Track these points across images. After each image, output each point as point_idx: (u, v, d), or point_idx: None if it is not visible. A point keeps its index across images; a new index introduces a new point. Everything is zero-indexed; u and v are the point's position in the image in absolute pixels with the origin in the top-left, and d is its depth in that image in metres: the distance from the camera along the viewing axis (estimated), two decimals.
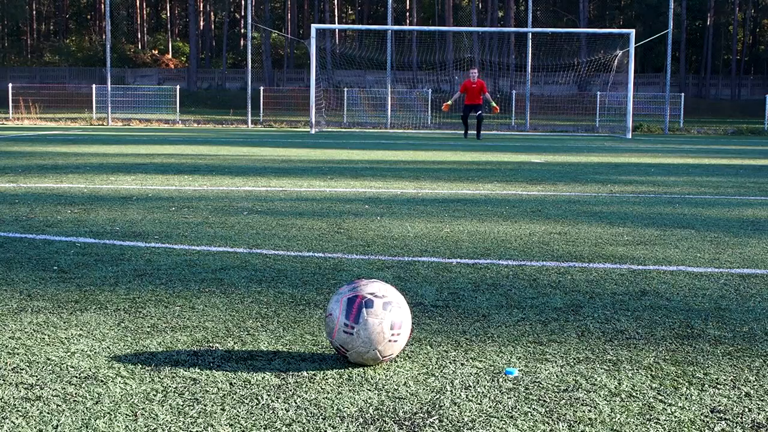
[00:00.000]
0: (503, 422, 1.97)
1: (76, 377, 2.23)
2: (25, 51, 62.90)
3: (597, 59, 32.54)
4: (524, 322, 2.87)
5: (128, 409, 2.01)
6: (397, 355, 2.45)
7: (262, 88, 30.25)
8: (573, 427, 1.94)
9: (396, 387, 2.19)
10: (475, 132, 18.87)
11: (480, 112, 18.43)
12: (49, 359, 2.39)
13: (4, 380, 2.21)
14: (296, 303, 3.09)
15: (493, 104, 18.68)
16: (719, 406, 2.10)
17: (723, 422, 1.99)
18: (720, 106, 48.21)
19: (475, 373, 2.32)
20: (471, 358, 2.46)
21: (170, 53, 61.21)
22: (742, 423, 1.99)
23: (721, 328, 2.83)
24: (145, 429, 1.90)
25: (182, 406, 2.04)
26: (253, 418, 1.97)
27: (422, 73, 50.48)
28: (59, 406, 2.03)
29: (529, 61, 27.06)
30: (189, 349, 2.50)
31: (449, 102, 18.96)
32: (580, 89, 45.72)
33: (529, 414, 2.02)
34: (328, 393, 2.14)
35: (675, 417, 2.02)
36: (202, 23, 59.22)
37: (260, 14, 51.59)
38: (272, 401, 2.08)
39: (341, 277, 3.56)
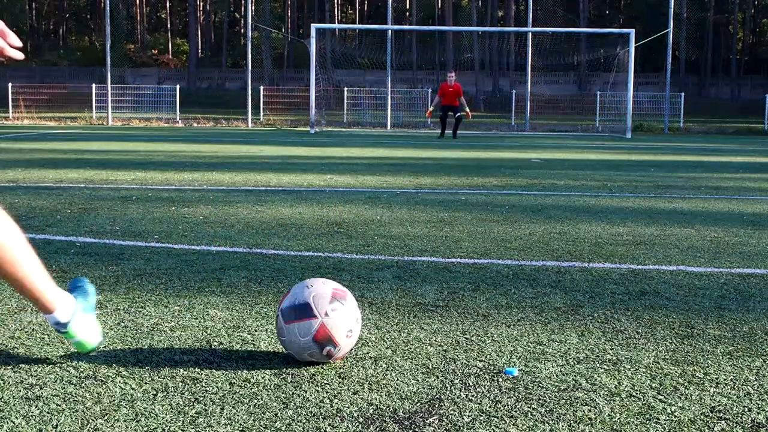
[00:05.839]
0: (503, 422, 1.97)
1: (76, 377, 2.23)
2: (25, 51, 62.83)
3: (597, 59, 32.53)
4: (524, 322, 2.87)
5: (128, 409, 2.01)
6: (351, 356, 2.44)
7: (262, 87, 30.24)
8: (573, 427, 1.94)
9: (396, 387, 2.19)
10: (452, 131, 19.28)
11: (459, 113, 18.69)
12: (49, 359, 2.39)
13: (4, 380, 2.21)
14: None
15: (467, 110, 18.88)
16: (719, 406, 2.10)
17: (723, 422, 1.99)
18: (720, 106, 48.19)
19: (475, 373, 2.31)
20: (471, 358, 2.46)
21: (170, 53, 61.20)
22: (742, 423, 1.99)
23: (721, 328, 2.83)
24: (145, 429, 1.90)
25: (182, 406, 2.04)
26: (253, 418, 1.97)
27: (422, 73, 50.48)
28: (59, 406, 2.03)
29: (529, 61, 27.06)
30: (189, 349, 2.50)
31: (431, 108, 20.06)
32: (580, 89, 45.68)
33: (529, 413, 2.02)
34: (328, 393, 2.14)
35: (675, 417, 2.02)
36: (202, 22, 59.23)
37: (260, 14, 51.59)
38: (272, 401, 2.08)
39: (341, 276, 3.56)
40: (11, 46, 2.15)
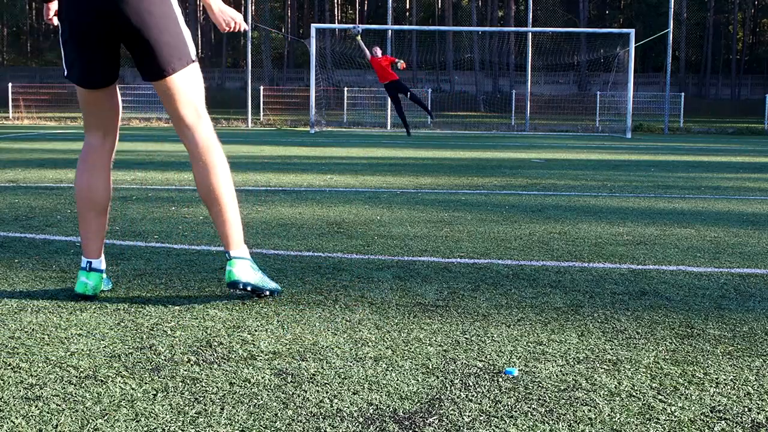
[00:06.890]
0: (503, 422, 1.97)
1: (76, 377, 2.23)
2: (25, 51, 62.89)
3: (597, 59, 32.55)
4: (524, 322, 2.87)
5: (128, 409, 2.01)
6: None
7: (261, 87, 30.25)
8: (573, 427, 1.94)
9: (396, 387, 2.19)
10: (425, 112, 18.65)
11: (408, 92, 17.81)
12: (49, 359, 2.39)
13: (4, 380, 2.21)
14: (296, 303, 3.09)
15: (401, 62, 17.57)
16: (719, 406, 2.10)
17: (723, 422, 1.99)
18: (720, 105, 48.20)
19: (475, 373, 2.32)
20: (471, 358, 2.46)
21: None
22: (742, 423, 1.99)
23: (721, 328, 2.83)
24: (145, 429, 1.90)
25: (182, 406, 2.04)
26: (253, 418, 1.97)
27: (422, 72, 50.48)
28: (59, 406, 2.03)
29: (529, 61, 27.06)
30: (189, 349, 2.50)
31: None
32: (580, 89, 45.72)
33: (529, 414, 2.02)
34: (328, 393, 2.14)
35: (675, 417, 2.02)
36: (202, 22, 59.22)
37: (260, 13, 51.59)
38: (272, 401, 2.08)
39: (341, 276, 3.56)
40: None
